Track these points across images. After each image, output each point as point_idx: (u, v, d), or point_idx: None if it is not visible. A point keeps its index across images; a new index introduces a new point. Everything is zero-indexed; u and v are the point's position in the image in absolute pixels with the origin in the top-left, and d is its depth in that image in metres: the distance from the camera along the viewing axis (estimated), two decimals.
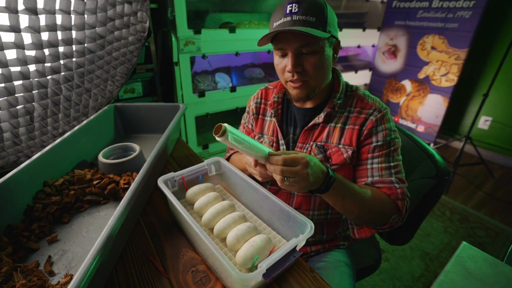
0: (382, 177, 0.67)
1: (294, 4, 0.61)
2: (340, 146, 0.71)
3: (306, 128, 0.74)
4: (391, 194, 0.65)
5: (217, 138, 0.51)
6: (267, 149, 0.58)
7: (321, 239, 0.81)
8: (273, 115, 0.80)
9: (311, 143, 0.74)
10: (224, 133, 0.50)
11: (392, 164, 0.68)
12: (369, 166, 0.69)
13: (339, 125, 0.72)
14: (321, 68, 0.66)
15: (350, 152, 0.69)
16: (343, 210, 0.64)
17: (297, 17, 0.60)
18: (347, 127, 0.71)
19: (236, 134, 0.52)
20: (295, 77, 0.66)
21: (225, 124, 0.51)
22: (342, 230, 0.84)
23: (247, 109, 0.91)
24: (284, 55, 0.67)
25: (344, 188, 0.61)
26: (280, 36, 0.64)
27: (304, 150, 0.75)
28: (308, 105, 0.76)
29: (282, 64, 0.67)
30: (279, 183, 0.56)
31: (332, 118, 0.73)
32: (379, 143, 0.68)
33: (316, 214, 0.77)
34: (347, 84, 0.76)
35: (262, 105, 0.86)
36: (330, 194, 0.60)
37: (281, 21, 0.62)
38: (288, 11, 0.62)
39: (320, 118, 0.72)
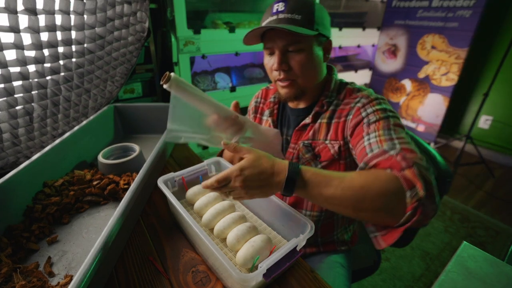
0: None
1: (280, 3, 0.62)
2: (327, 142, 0.68)
3: (296, 128, 0.73)
4: (391, 166, 0.49)
5: (164, 86, 0.52)
6: (217, 104, 0.56)
7: (316, 241, 0.80)
8: (268, 115, 0.81)
9: (299, 142, 0.73)
10: (168, 80, 0.51)
11: (394, 136, 0.55)
12: (366, 143, 0.57)
13: (325, 120, 0.70)
14: (308, 66, 0.65)
15: (336, 147, 0.67)
16: (333, 207, 0.50)
17: (283, 15, 0.61)
18: (333, 121, 0.69)
19: (182, 82, 0.52)
20: (282, 76, 0.66)
21: (172, 73, 0.52)
22: (340, 234, 0.80)
23: (248, 108, 0.92)
24: (271, 54, 0.67)
25: (318, 181, 0.48)
26: (267, 35, 0.65)
27: (295, 151, 0.74)
28: (301, 105, 0.75)
29: (270, 63, 0.67)
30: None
31: (320, 116, 0.71)
32: (372, 120, 0.59)
33: (309, 215, 0.76)
34: (341, 81, 0.74)
35: (261, 104, 0.87)
36: (301, 194, 0.50)
37: (268, 20, 0.63)
38: (274, 10, 0.63)
39: (309, 119, 0.71)
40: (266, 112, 0.83)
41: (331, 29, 0.68)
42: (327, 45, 0.69)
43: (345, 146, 0.67)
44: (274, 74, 0.68)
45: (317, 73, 0.68)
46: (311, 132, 0.71)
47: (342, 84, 0.73)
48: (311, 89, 0.70)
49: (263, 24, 0.65)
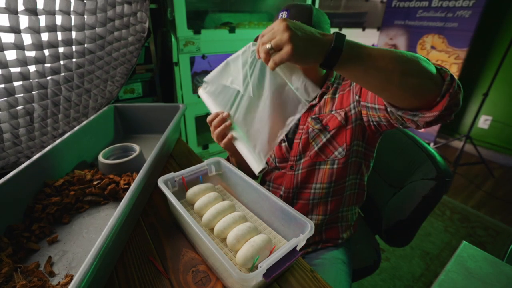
0: None
1: (284, 12, 0.75)
2: (333, 112, 0.76)
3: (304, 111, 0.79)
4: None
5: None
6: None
7: (322, 224, 0.83)
8: None
9: (307, 119, 0.79)
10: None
11: None
12: None
13: (329, 96, 0.79)
14: None
15: (343, 114, 0.74)
16: (378, 72, 0.48)
17: None
18: (337, 95, 0.78)
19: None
20: None
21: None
22: (345, 213, 0.84)
23: None
24: None
25: (365, 47, 0.48)
26: None
27: (304, 127, 0.80)
28: None
29: None
30: (266, 59, 0.50)
31: (324, 95, 0.81)
32: None
33: (319, 187, 0.80)
34: None
35: None
36: (349, 54, 0.46)
37: None
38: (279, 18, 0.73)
39: (315, 100, 0.80)
40: None
41: (330, 30, 0.76)
42: None
43: (352, 111, 0.74)
44: None
45: (314, 67, 0.78)
46: (316, 108, 0.79)
47: None
48: (311, 79, 0.77)
49: None
